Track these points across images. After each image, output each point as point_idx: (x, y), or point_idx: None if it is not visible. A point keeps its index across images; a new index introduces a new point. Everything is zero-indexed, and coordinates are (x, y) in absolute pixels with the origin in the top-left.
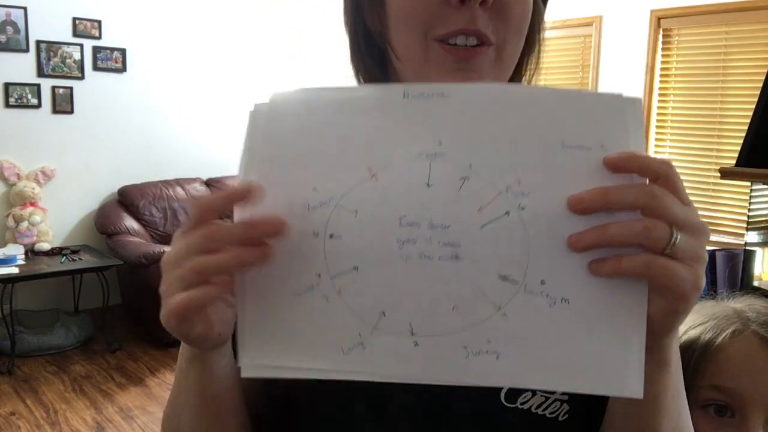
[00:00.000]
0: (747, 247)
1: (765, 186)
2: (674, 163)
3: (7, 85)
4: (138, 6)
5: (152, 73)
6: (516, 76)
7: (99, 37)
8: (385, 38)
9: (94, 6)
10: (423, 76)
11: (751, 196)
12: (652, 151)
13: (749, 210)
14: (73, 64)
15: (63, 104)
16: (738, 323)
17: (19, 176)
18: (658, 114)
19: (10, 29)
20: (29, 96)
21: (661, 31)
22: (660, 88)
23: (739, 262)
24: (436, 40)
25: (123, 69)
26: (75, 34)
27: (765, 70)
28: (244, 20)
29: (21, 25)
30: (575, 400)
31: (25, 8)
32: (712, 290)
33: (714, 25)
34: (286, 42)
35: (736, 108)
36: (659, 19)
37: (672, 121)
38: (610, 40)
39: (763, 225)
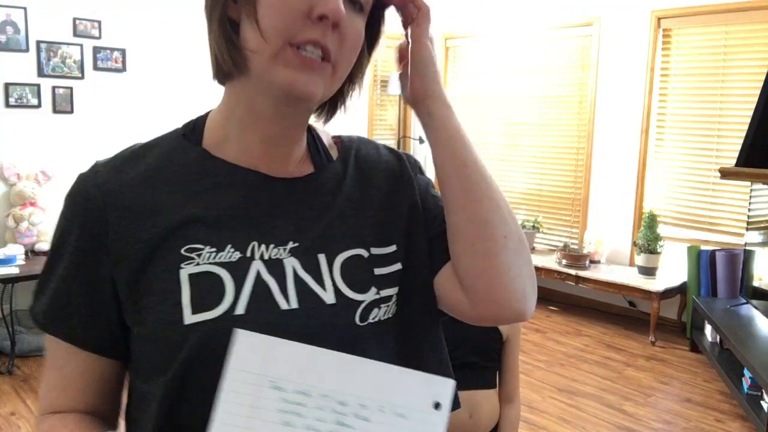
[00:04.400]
0: (747, 247)
1: (765, 186)
2: (674, 163)
3: (7, 85)
4: (138, 6)
5: (152, 73)
6: (339, 96)
7: (99, 37)
8: (239, 30)
9: (94, 6)
10: (270, 69)
11: (751, 196)
12: (652, 152)
13: (749, 210)
14: (73, 64)
15: (63, 104)
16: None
17: (19, 176)
18: (658, 114)
19: (10, 29)
20: (29, 96)
21: (661, 31)
22: (660, 88)
23: (739, 262)
24: (290, 44)
25: (123, 69)
26: (75, 34)
27: (765, 70)
28: None
29: (21, 25)
30: (402, 292)
31: (25, 8)
32: (712, 290)
33: (714, 25)
34: None
35: (736, 108)
36: (659, 19)
37: (672, 121)
38: (610, 40)
39: (763, 225)
